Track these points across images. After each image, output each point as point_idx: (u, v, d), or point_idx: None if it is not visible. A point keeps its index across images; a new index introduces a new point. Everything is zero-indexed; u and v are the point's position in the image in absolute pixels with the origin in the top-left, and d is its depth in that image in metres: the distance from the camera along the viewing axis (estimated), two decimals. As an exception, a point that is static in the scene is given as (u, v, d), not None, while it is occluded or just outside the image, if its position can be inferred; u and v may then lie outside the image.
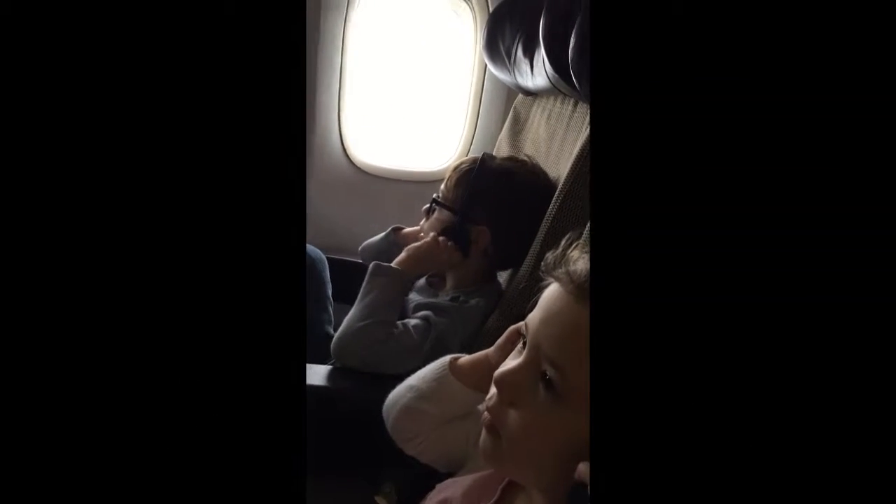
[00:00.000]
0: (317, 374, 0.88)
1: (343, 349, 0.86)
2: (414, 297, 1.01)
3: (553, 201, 0.90)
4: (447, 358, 0.64)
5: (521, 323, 0.54)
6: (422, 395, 0.62)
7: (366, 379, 0.87)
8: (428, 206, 1.03)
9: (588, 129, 0.91)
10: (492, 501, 0.50)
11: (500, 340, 0.59)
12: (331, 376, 0.88)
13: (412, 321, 0.91)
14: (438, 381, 0.62)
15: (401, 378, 0.67)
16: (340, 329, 0.88)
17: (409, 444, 0.63)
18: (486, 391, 0.49)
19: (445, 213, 0.99)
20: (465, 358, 0.63)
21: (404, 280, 0.93)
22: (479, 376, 0.59)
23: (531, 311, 0.48)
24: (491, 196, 0.96)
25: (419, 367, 0.87)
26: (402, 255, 0.95)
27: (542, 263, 0.48)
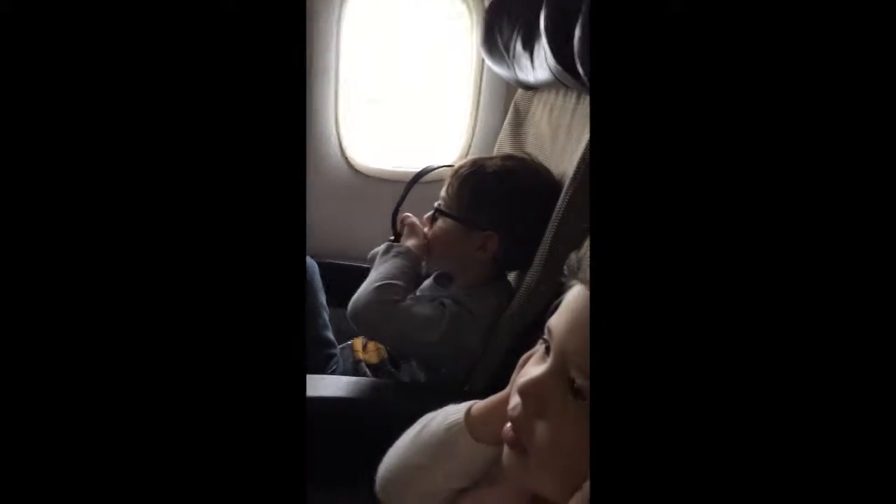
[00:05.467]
0: (319, 384, 0.86)
1: (358, 309, 0.86)
2: (424, 294, 0.99)
3: (561, 198, 0.88)
4: (458, 416, 0.50)
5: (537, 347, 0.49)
6: (442, 474, 0.51)
7: (378, 389, 0.84)
8: (431, 213, 1.00)
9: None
10: None
11: (514, 376, 0.49)
12: (336, 386, 0.86)
13: (425, 300, 0.90)
14: (452, 448, 0.50)
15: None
16: (356, 294, 0.88)
17: None
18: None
19: (450, 222, 0.96)
20: (477, 409, 0.51)
21: (414, 261, 0.93)
22: (501, 427, 0.46)
23: (552, 313, 0.45)
24: (494, 200, 0.93)
25: (435, 345, 0.86)
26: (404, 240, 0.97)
27: (566, 266, 0.45)
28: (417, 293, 0.99)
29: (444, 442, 0.50)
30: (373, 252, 1.11)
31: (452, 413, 0.52)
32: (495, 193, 0.93)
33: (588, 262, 0.44)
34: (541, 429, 0.42)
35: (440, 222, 0.97)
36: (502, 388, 0.51)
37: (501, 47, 1.14)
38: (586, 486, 0.39)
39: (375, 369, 1.02)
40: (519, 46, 1.07)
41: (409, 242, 0.96)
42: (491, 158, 1.00)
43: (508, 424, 0.45)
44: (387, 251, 0.94)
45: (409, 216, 1.01)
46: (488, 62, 1.25)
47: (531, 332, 0.82)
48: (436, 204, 0.99)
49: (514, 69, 1.13)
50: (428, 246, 0.97)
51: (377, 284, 0.87)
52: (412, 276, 0.93)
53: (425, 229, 1.00)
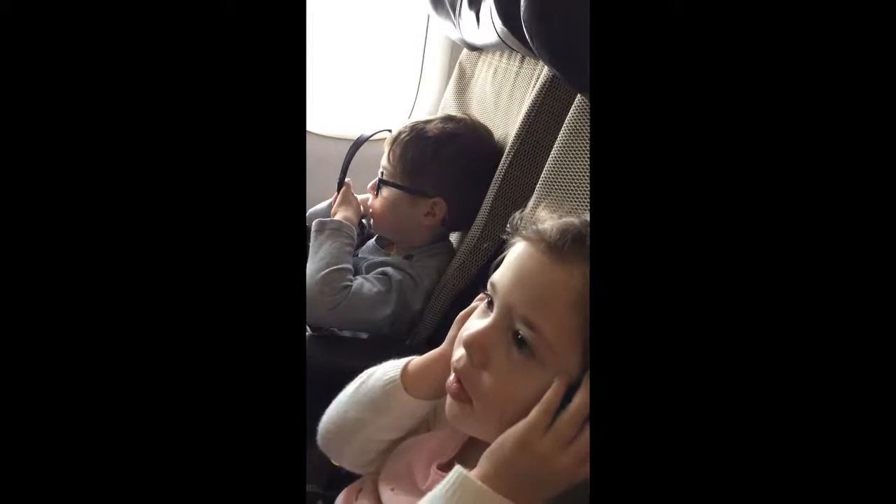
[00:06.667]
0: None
1: (310, 302, 0.84)
2: (366, 256, 0.99)
3: (503, 160, 0.90)
4: (394, 373, 0.53)
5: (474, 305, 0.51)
6: (379, 427, 0.54)
7: (322, 345, 0.85)
8: (376, 181, 0.98)
9: (536, 86, 0.91)
10: (451, 457, 0.51)
11: (451, 333, 0.53)
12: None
13: (370, 275, 0.90)
14: (388, 403, 0.53)
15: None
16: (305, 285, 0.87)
17: (367, 468, 0.56)
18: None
19: (395, 191, 0.94)
20: (413, 366, 0.53)
21: (350, 234, 0.92)
22: (440, 381, 0.50)
23: (494, 270, 0.48)
24: (438, 165, 0.92)
25: (389, 317, 0.87)
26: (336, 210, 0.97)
27: (509, 224, 0.48)
28: (359, 255, 0.99)
29: (381, 398, 0.53)
30: (311, 211, 1.10)
31: (389, 370, 0.54)
32: (439, 159, 0.92)
33: (531, 219, 0.46)
34: (486, 378, 0.45)
35: (385, 192, 0.95)
36: (441, 341, 0.54)
37: (447, 4, 1.13)
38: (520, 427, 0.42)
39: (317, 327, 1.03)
40: (465, 5, 1.07)
41: (342, 212, 0.95)
42: (430, 121, 0.98)
43: (452, 376, 0.47)
44: (320, 229, 0.91)
45: (349, 183, 1.00)
46: (434, 17, 1.24)
47: (469, 289, 0.86)
48: (380, 174, 0.97)
49: (460, 28, 1.13)
50: (374, 216, 0.97)
51: (323, 273, 0.85)
52: (352, 250, 0.93)
53: (370, 199, 0.99)
